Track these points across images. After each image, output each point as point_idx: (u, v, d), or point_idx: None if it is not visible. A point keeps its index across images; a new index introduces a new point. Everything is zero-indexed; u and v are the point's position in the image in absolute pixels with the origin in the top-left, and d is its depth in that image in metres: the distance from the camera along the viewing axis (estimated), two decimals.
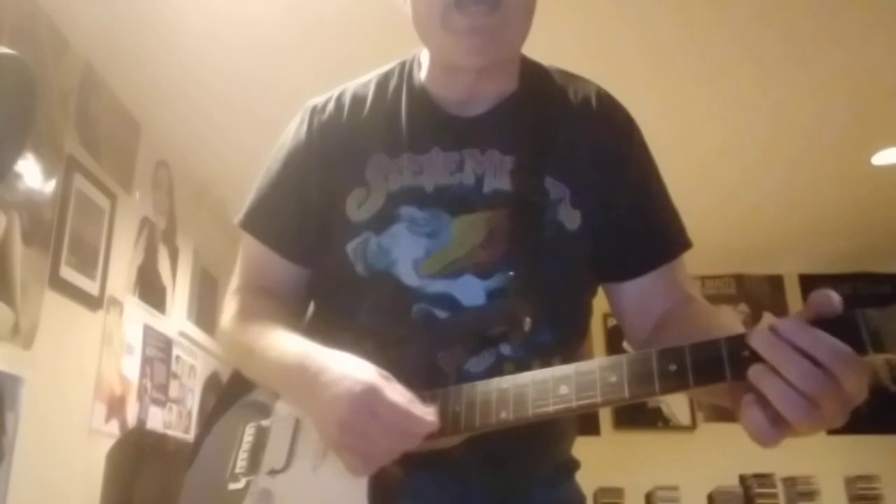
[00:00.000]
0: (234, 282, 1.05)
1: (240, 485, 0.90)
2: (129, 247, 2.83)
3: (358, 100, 1.01)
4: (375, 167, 0.94)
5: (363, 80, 1.04)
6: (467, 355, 0.84)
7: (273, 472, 0.87)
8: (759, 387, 0.60)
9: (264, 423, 0.93)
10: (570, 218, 0.91)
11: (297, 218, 0.99)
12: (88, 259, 2.48)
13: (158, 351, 3.05)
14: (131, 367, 2.78)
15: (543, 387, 0.72)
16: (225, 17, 2.38)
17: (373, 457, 0.74)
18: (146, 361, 2.91)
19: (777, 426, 0.61)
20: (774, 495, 4.23)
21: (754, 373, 0.61)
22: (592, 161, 0.93)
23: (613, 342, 4.63)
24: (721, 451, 4.37)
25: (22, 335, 2.08)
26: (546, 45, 1.04)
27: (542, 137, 0.94)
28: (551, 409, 0.70)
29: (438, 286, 0.88)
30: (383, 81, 1.02)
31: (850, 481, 4.30)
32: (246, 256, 1.05)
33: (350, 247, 0.92)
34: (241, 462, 0.92)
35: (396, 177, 0.93)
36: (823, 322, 0.60)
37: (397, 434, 0.73)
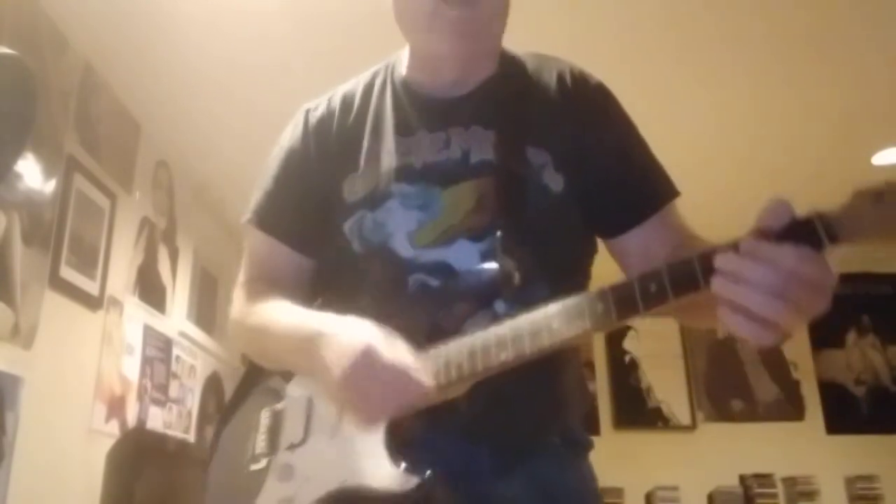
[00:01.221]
0: (241, 277, 1.10)
1: (261, 465, 0.95)
2: (129, 247, 2.83)
3: (347, 98, 1.08)
4: (367, 152, 1.02)
5: (351, 81, 1.12)
6: (465, 316, 0.89)
7: (292, 447, 0.93)
8: (723, 294, 0.67)
9: (278, 406, 0.98)
10: (554, 181, 0.97)
11: (301, 208, 1.05)
12: (88, 259, 2.48)
13: (158, 351, 3.05)
14: (131, 367, 2.79)
15: (537, 325, 0.78)
16: (225, 17, 2.38)
17: (373, 413, 0.83)
18: (146, 361, 2.91)
19: (761, 324, 0.66)
20: (774, 495, 4.22)
21: (716, 283, 0.67)
22: (572, 128, 1.00)
23: (613, 341, 4.64)
24: (721, 451, 4.37)
25: (22, 335, 2.08)
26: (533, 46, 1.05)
27: (521, 111, 1.01)
28: (547, 342, 0.77)
29: (433, 255, 0.93)
30: (370, 80, 1.10)
31: (850, 481, 4.30)
32: (252, 253, 1.10)
33: (347, 226, 0.98)
34: (261, 444, 0.97)
35: (387, 158, 1.00)
36: (784, 228, 0.67)
37: (393, 392, 0.80)
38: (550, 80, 1.04)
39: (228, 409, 1.08)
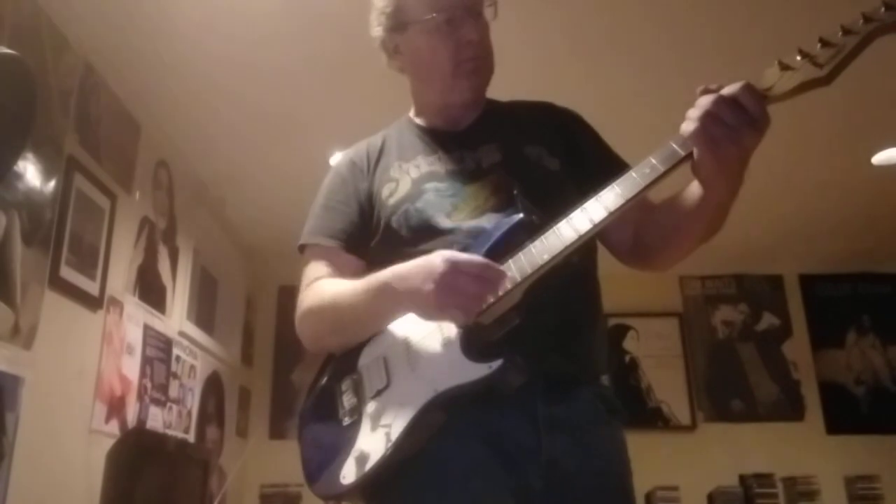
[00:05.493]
0: (302, 286, 1.24)
1: (353, 418, 1.08)
2: (129, 247, 2.83)
3: (373, 142, 1.33)
4: (397, 168, 1.25)
5: (373, 136, 1.35)
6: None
7: (378, 393, 1.07)
8: (695, 132, 0.96)
9: (354, 375, 1.12)
10: (552, 163, 1.22)
11: (351, 218, 1.24)
12: (88, 259, 2.48)
13: (158, 351, 3.05)
14: (131, 367, 2.79)
15: (568, 223, 0.99)
16: (224, 17, 2.39)
17: (468, 305, 0.97)
18: (146, 361, 2.91)
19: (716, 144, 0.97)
20: (774, 495, 4.22)
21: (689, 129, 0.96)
22: (553, 131, 1.28)
23: (613, 341, 4.64)
24: (721, 451, 4.37)
25: (22, 335, 2.08)
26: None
27: (513, 126, 1.28)
28: (588, 227, 0.98)
29: (469, 224, 1.13)
30: (390, 131, 1.34)
31: (850, 481, 4.30)
32: (310, 267, 1.25)
33: (394, 220, 1.18)
34: (349, 402, 1.10)
35: (416, 170, 1.23)
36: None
37: (481, 281, 0.97)
38: (528, 106, 1.34)
39: (309, 396, 1.20)
